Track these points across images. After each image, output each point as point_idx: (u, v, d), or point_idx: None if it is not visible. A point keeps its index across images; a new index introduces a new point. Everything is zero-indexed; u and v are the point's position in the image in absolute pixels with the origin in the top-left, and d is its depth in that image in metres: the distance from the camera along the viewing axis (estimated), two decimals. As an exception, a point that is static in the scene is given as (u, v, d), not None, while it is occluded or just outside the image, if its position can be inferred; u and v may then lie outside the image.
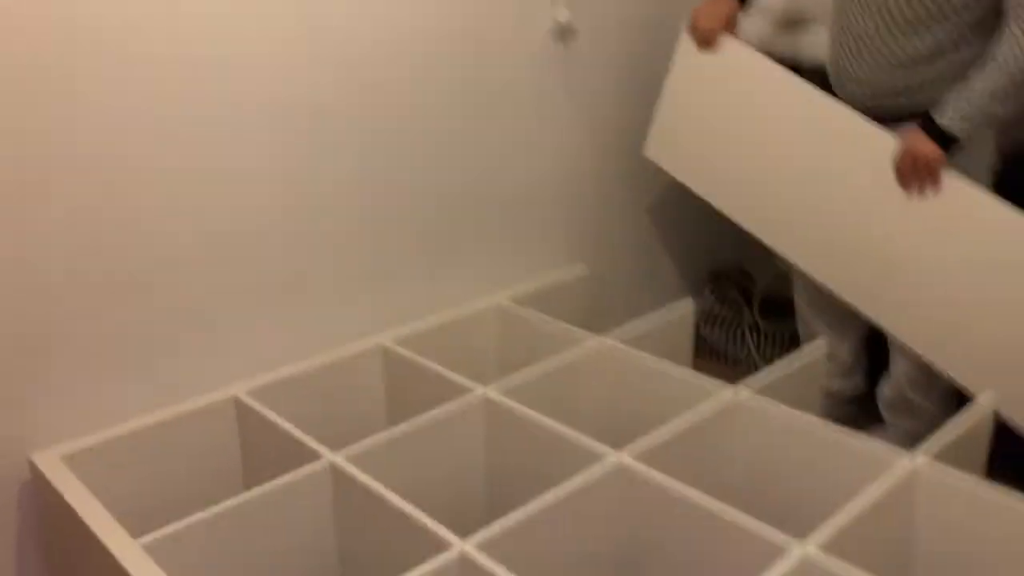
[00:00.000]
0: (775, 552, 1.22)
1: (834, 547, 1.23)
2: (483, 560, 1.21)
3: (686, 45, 2.05)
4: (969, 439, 1.55)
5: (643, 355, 1.81)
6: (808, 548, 1.22)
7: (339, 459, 1.48)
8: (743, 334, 2.48)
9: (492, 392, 1.68)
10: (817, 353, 1.83)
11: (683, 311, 2.09)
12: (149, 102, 1.52)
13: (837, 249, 1.88)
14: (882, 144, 1.76)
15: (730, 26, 1.98)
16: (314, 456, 1.51)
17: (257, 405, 1.67)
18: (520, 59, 2.07)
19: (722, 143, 2.04)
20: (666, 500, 1.38)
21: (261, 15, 1.63)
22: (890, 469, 1.40)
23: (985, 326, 1.70)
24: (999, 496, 1.35)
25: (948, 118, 1.66)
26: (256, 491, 1.42)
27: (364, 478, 1.42)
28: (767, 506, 1.63)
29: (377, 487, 1.39)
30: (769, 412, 1.61)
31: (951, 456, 1.47)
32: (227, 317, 1.72)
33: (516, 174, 2.15)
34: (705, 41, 1.98)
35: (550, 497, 1.35)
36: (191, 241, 1.63)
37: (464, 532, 1.30)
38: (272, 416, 1.63)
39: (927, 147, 1.68)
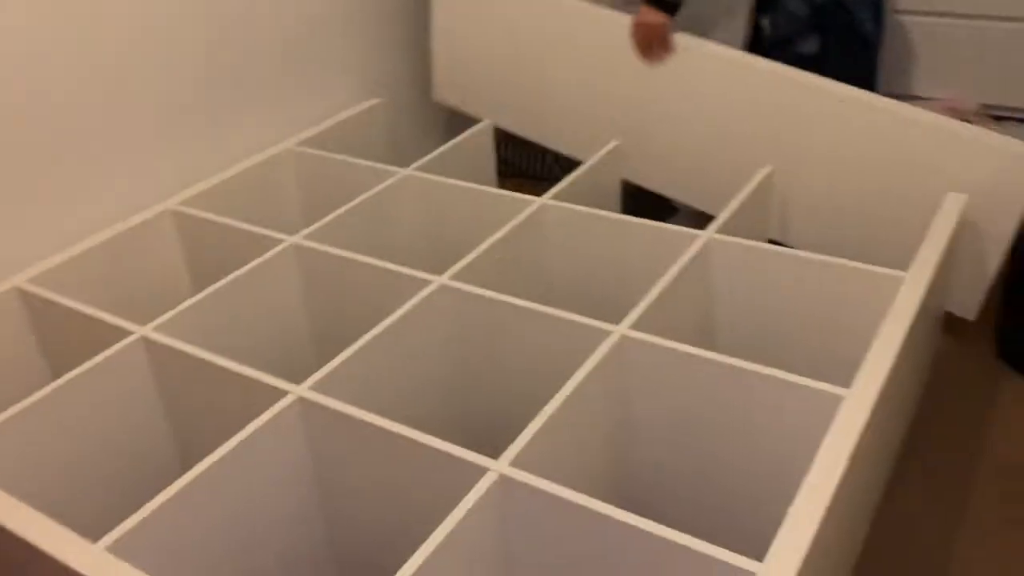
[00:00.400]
0: (599, 336, 1.31)
1: (645, 325, 1.33)
2: (321, 399, 1.21)
3: None
4: (751, 210, 1.70)
5: (448, 181, 1.81)
6: (624, 330, 1.31)
7: (150, 332, 1.41)
8: (543, 151, 2.52)
9: (300, 239, 1.63)
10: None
11: (482, 134, 2.09)
12: None
13: (605, 126, 2.01)
14: (622, 24, 1.89)
15: None
16: (123, 334, 1.42)
17: (45, 292, 1.54)
18: None
19: (497, 66, 2.13)
20: (492, 310, 1.42)
21: None
22: (688, 248, 1.51)
23: (722, 158, 1.88)
24: (783, 255, 1.49)
25: None
26: (65, 378, 1.33)
27: (180, 345, 1.36)
28: (587, 301, 1.73)
29: (197, 351, 1.34)
30: (574, 215, 1.67)
31: (736, 228, 1.61)
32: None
33: (296, 7, 2.02)
34: None
35: (378, 329, 1.36)
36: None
37: (299, 381, 1.29)
38: (65, 301, 1.51)
39: (651, 17, 1.82)
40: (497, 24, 2.11)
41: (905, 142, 1.65)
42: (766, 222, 1.83)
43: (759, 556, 0.95)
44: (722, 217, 1.60)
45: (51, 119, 1.61)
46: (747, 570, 0.92)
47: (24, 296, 1.57)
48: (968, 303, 1.72)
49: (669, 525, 0.99)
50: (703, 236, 1.54)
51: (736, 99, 1.83)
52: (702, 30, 1.94)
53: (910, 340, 1.32)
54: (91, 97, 1.66)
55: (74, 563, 1.00)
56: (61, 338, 1.56)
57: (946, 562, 1.39)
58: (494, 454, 1.11)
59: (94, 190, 1.71)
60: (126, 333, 1.42)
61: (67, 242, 1.67)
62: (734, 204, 1.64)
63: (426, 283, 1.47)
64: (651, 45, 1.87)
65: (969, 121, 1.80)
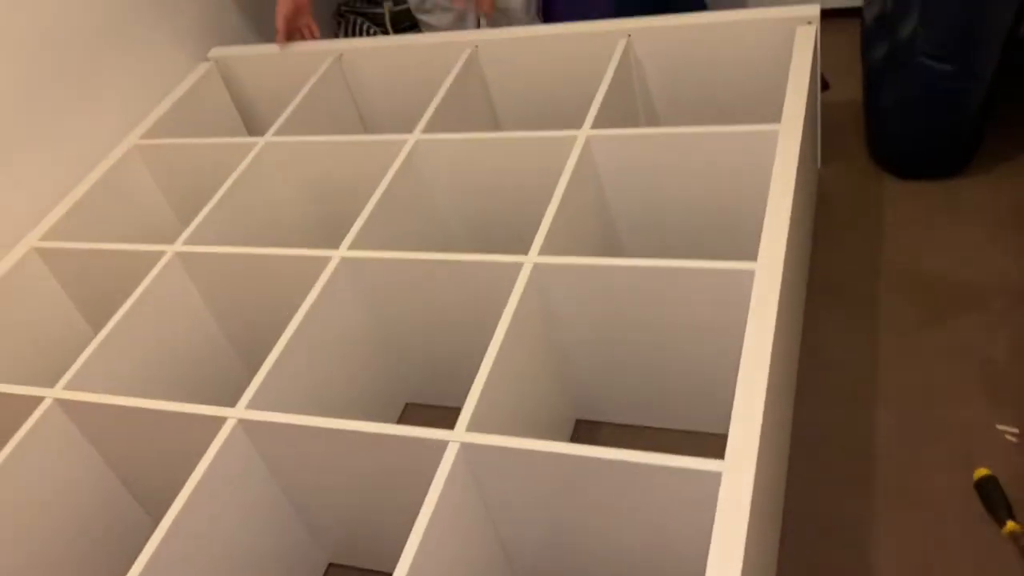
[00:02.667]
0: (513, 270, 1.32)
1: (553, 246, 1.35)
2: (261, 416, 1.20)
3: None
4: (620, 92, 1.70)
5: (311, 139, 1.74)
6: (535, 258, 1.32)
7: (61, 393, 1.34)
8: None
9: (181, 246, 1.56)
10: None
11: (333, 75, 1.99)
12: None
13: None
14: None
15: None
16: (34, 402, 1.35)
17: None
18: None
19: None
20: (400, 270, 1.41)
21: None
22: (571, 150, 1.52)
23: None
24: (661, 135, 1.51)
25: None
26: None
27: (97, 398, 1.31)
28: (487, 231, 1.73)
29: (117, 400, 1.29)
30: (449, 145, 1.64)
31: (609, 118, 1.62)
32: None
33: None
34: None
35: (294, 324, 1.33)
36: None
37: (231, 396, 1.27)
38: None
39: None
40: None
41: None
42: (634, 105, 1.83)
43: (718, 430, 1.01)
44: (594, 108, 1.59)
45: None
46: (712, 471, 0.99)
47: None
48: None
49: (623, 424, 1.04)
50: (581, 134, 1.53)
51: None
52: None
53: (798, 191, 1.38)
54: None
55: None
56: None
57: (873, 373, 1.51)
58: (448, 414, 1.13)
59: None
60: (37, 400, 1.36)
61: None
62: (601, 90, 1.63)
63: (326, 260, 1.44)
64: None
65: None
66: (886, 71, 1.81)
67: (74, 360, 1.42)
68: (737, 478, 0.96)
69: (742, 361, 1.09)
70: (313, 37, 2.04)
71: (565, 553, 1.20)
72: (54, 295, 1.71)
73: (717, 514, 0.94)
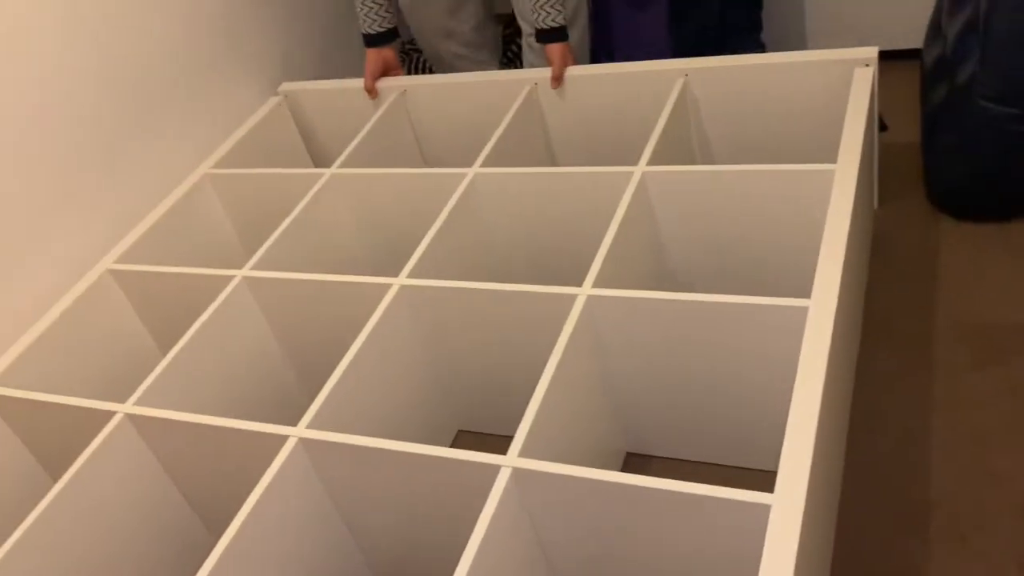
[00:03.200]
0: (566, 301, 1.34)
1: (607, 279, 1.38)
2: (321, 435, 1.24)
3: None
4: (675, 130, 1.73)
5: (375, 171, 1.80)
6: (588, 290, 1.35)
7: (131, 408, 1.40)
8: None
9: (249, 271, 1.63)
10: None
11: (397, 107, 2.06)
12: None
13: None
14: None
15: None
16: (105, 416, 1.42)
17: (13, 392, 1.52)
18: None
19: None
20: (456, 299, 1.45)
21: None
22: (627, 186, 1.55)
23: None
24: (716, 172, 1.53)
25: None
26: (65, 477, 1.33)
27: (166, 414, 1.37)
28: (542, 263, 1.76)
29: (185, 416, 1.35)
30: (508, 178, 1.69)
31: (664, 155, 1.65)
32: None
33: (164, 21, 1.94)
34: None
35: (355, 348, 1.38)
36: None
37: (289, 415, 1.32)
38: (35, 395, 1.49)
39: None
40: None
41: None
42: (689, 143, 1.86)
43: (769, 467, 1.02)
44: (651, 145, 1.62)
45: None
46: (762, 503, 0.99)
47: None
48: None
49: (672, 459, 1.05)
50: (637, 171, 1.57)
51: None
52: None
53: (853, 230, 1.39)
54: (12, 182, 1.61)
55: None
56: (42, 432, 1.55)
57: (928, 415, 1.49)
58: (498, 442, 1.16)
59: (24, 272, 1.66)
60: (108, 415, 1.42)
61: (13, 335, 1.63)
62: (658, 128, 1.66)
63: (386, 287, 1.49)
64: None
65: None
66: (945, 113, 1.81)
67: (144, 378, 1.48)
68: (786, 510, 0.97)
69: (794, 396, 1.10)
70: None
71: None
72: (126, 315, 1.79)
73: (765, 547, 0.95)
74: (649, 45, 2.08)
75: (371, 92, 2.06)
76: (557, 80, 1.90)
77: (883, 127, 1.96)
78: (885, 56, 1.71)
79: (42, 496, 1.54)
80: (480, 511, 1.07)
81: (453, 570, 1.02)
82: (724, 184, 1.53)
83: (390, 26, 2.04)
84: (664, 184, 1.56)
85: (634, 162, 1.59)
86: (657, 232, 1.63)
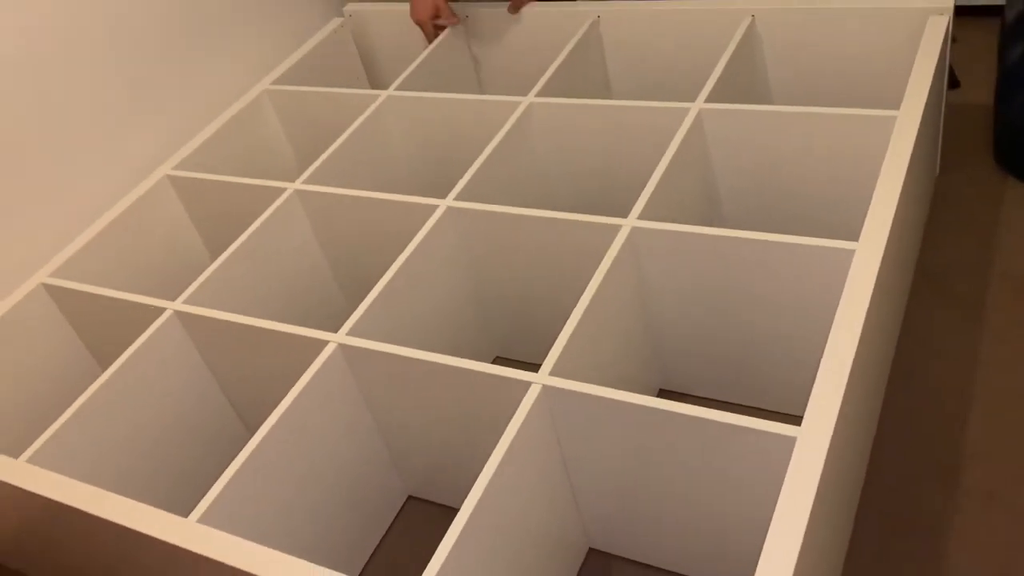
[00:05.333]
0: (610, 232, 1.35)
1: (653, 212, 1.37)
2: (360, 343, 1.27)
3: None
4: (738, 68, 1.69)
5: (431, 95, 1.80)
6: (633, 222, 1.34)
7: (180, 306, 1.45)
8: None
9: (301, 184, 1.65)
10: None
11: (455, 36, 2.05)
12: None
13: None
14: None
15: None
16: (155, 312, 1.47)
17: (69, 283, 1.58)
18: None
19: None
20: (501, 223, 1.45)
21: None
22: (682, 122, 1.53)
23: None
24: (777, 113, 1.50)
25: None
26: (116, 365, 1.38)
27: (214, 313, 1.41)
28: (590, 194, 1.76)
29: (232, 317, 1.39)
30: (562, 109, 1.68)
31: (725, 92, 1.62)
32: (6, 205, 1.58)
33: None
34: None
35: (398, 263, 1.40)
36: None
37: (329, 324, 1.35)
38: (89, 288, 1.55)
39: None
40: None
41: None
42: (751, 83, 1.82)
43: (800, 413, 1.02)
44: (710, 83, 1.59)
45: (28, 115, 1.61)
46: (787, 436, 0.99)
47: (50, 291, 1.61)
48: None
49: (704, 398, 1.05)
50: (694, 107, 1.54)
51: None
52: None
53: (910, 179, 1.35)
54: (63, 80, 1.65)
55: (174, 539, 1.08)
56: (95, 323, 1.62)
57: (972, 372, 1.47)
58: (534, 369, 1.17)
59: (90, 171, 1.72)
60: (158, 311, 1.47)
61: (75, 230, 1.69)
62: (720, 65, 1.63)
63: (433, 208, 1.50)
64: None
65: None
66: (1022, 70, 1.75)
67: (193, 280, 1.52)
68: (811, 444, 0.97)
69: (830, 337, 1.09)
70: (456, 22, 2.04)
71: (634, 504, 1.23)
72: (181, 220, 1.84)
73: (786, 478, 0.95)
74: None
75: (428, 37, 2.02)
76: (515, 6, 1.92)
77: (954, 83, 1.89)
78: (966, 11, 1.65)
79: (90, 383, 1.61)
80: (507, 424, 1.09)
81: (472, 476, 1.04)
82: (782, 125, 1.50)
83: None
84: (720, 122, 1.54)
85: (693, 100, 1.57)
86: (709, 170, 1.61)
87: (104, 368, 1.71)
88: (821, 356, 1.08)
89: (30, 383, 1.61)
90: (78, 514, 1.17)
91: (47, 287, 1.61)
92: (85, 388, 1.67)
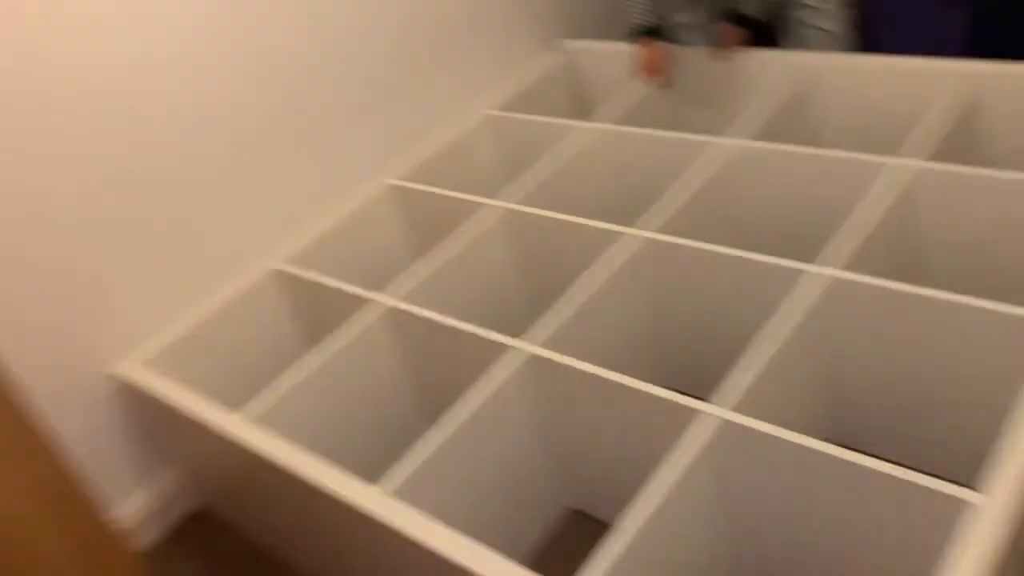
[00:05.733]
0: (809, 279, 1.37)
1: (856, 264, 1.37)
2: (545, 353, 1.35)
3: None
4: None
5: (638, 131, 1.88)
6: (836, 272, 1.35)
7: (387, 300, 1.60)
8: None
9: (508, 203, 1.77)
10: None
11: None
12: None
13: None
14: None
15: None
16: (366, 302, 1.62)
17: (297, 271, 1.77)
18: None
19: None
20: (695, 258, 1.50)
21: None
22: (895, 180, 1.52)
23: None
24: (996, 179, 1.47)
25: None
26: (331, 347, 1.54)
27: (417, 310, 1.54)
28: (784, 240, 1.77)
29: (431, 315, 1.51)
30: (768, 155, 1.70)
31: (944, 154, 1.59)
32: (245, 193, 1.79)
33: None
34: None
35: (593, 287, 1.48)
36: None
37: (514, 333, 1.43)
38: (314, 276, 1.73)
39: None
40: None
41: None
42: (971, 141, 1.77)
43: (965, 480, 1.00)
44: (914, 138, 1.57)
45: (284, 110, 1.82)
46: (965, 500, 0.98)
47: (280, 276, 1.81)
48: None
49: (865, 452, 1.05)
50: (911, 166, 1.53)
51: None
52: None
53: None
54: (311, 82, 1.86)
55: (367, 507, 1.20)
56: (312, 308, 1.79)
57: None
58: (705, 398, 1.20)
59: (323, 172, 1.92)
60: (364, 301, 1.62)
61: (303, 222, 1.89)
62: (927, 122, 1.60)
63: (631, 237, 1.57)
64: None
65: None
66: None
67: (392, 273, 1.65)
68: (989, 512, 0.95)
69: (1011, 421, 1.05)
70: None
71: (792, 547, 1.22)
72: (397, 225, 2.01)
73: (959, 542, 0.93)
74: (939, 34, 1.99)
75: (645, 75, 2.09)
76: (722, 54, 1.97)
77: None
78: None
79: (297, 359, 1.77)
80: (673, 450, 1.13)
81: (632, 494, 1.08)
82: (1007, 193, 1.46)
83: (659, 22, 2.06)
84: (931, 180, 1.51)
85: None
86: (916, 226, 1.58)
87: (311, 346, 1.89)
88: (994, 425, 1.05)
89: (248, 355, 1.81)
90: (276, 470, 1.32)
91: (278, 272, 1.81)
92: (294, 363, 1.85)
